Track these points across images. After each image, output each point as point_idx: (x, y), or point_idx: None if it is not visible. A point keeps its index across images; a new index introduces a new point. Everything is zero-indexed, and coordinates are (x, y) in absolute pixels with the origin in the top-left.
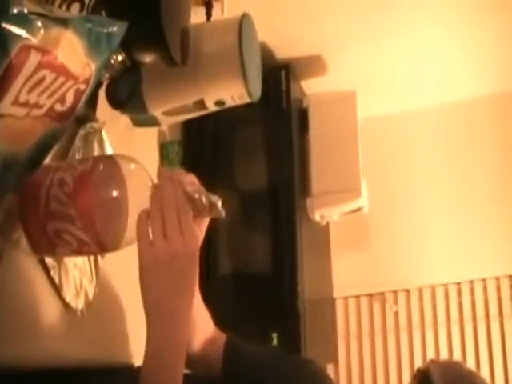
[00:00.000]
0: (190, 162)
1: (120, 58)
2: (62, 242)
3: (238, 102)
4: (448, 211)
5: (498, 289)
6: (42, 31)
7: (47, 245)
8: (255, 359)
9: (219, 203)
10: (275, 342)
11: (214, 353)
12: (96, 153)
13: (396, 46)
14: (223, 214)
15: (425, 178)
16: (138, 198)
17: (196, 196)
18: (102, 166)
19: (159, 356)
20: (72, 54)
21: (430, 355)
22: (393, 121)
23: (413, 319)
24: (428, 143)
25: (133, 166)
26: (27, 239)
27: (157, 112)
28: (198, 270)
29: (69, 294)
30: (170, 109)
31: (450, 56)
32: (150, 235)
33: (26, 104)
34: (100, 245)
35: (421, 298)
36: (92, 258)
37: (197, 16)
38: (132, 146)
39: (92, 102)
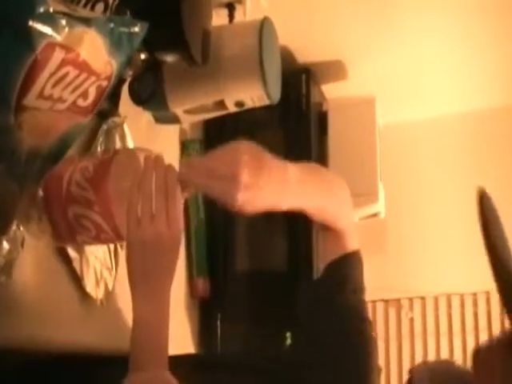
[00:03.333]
0: None
1: (143, 56)
2: (82, 229)
3: (258, 103)
4: (466, 220)
5: None
6: (67, 30)
7: (68, 231)
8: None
9: None
10: (289, 341)
11: (331, 252)
12: (118, 147)
13: (416, 52)
14: None
15: (443, 186)
16: None
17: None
18: (122, 157)
19: (145, 327)
20: (94, 52)
21: None
22: (412, 127)
23: (428, 326)
24: (447, 150)
25: None
26: (50, 225)
27: (178, 110)
28: (178, 253)
29: (89, 284)
30: (191, 107)
31: (472, 64)
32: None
33: (50, 98)
34: (118, 234)
35: (436, 306)
36: (112, 249)
37: (220, 18)
38: (153, 142)
39: (115, 98)
